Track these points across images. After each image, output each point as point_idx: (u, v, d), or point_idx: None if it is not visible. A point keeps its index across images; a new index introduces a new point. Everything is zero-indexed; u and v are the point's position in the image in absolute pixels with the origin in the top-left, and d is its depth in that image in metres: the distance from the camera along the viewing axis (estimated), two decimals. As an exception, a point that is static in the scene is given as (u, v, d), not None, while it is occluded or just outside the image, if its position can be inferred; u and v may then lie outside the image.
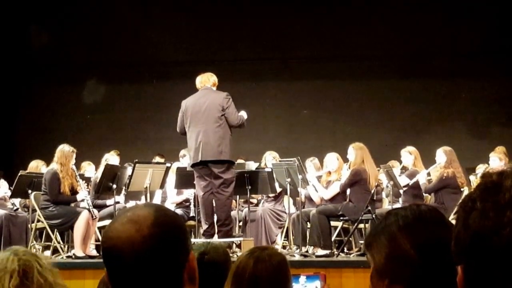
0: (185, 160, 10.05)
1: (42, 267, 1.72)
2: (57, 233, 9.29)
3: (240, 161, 10.41)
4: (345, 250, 9.20)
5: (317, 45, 13.87)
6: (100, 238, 9.40)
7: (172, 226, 1.68)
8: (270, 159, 10.16)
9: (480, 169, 9.92)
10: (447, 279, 1.58)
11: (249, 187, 9.06)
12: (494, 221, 1.17)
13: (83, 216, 8.64)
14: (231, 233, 8.56)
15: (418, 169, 9.55)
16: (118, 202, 9.22)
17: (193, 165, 8.46)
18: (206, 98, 8.40)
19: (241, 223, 9.76)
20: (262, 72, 14.09)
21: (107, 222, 9.18)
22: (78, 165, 9.49)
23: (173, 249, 1.66)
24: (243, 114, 8.59)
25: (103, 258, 1.67)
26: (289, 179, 9.03)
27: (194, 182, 8.66)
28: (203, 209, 8.47)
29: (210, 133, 8.27)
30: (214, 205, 8.45)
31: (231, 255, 4.20)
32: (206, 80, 8.56)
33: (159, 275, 1.63)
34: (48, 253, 9.41)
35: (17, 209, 9.84)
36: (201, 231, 8.61)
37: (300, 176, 8.92)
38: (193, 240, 8.21)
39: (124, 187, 9.08)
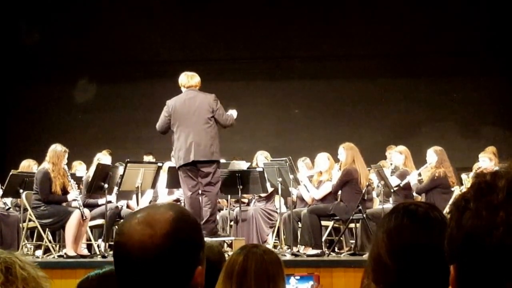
0: (177, 160, 10.04)
1: (23, 262, 1.71)
2: (49, 233, 9.26)
3: (235, 161, 10.40)
4: (336, 249, 9.22)
5: (309, 45, 13.87)
6: (91, 238, 9.40)
7: (187, 239, 1.60)
8: (261, 158, 10.16)
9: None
10: (426, 284, 1.59)
11: (241, 186, 9.07)
12: (487, 221, 1.17)
13: (75, 216, 8.61)
14: (216, 231, 8.58)
15: (408, 169, 9.55)
16: (110, 202, 9.21)
17: (181, 166, 8.47)
18: (195, 99, 8.45)
19: (232, 223, 9.74)
20: (254, 72, 14.09)
21: (99, 221, 9.18)
22: (69, 164, 9.46)
23: (182, 262, 1.59)
24: (233, 112, 8.65)
25: (113, 252, 1.62)
26: (280, 179, 9.02)
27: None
28: (191, 209, 8.46)
29: (202, 134, 8.33)
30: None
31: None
32: (189, 81, 8.56)
33: (163, 285, 1.58)
34: (39, 252, 9.38)
35: (8, 208, 9.81)
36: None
37: (291, 176, 8.92)
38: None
39: (115, 187, 9.07)
